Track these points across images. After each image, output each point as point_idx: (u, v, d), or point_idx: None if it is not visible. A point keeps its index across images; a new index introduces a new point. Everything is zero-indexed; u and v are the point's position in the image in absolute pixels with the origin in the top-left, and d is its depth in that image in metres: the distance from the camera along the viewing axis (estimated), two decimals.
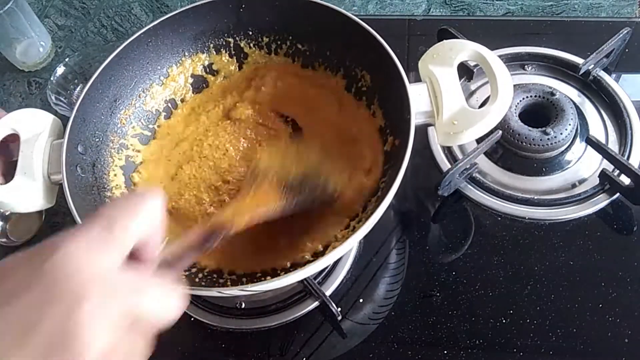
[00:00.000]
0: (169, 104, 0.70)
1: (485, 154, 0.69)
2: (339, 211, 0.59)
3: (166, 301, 0.31)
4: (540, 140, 0.67)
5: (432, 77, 0.56)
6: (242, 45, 0.70)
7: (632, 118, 0.69)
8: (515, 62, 0.77)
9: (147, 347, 0.30)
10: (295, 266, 0.54)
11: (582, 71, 0.72)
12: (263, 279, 0.52)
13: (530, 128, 0.68)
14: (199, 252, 0.40)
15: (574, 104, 0.70)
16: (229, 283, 0.55)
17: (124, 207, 0.31)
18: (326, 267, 0.63)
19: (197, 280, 0.56)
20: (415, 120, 0.53)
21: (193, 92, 0.71)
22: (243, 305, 0.63)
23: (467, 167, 0.66)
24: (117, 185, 0.62)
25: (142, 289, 0.30)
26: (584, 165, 0.68)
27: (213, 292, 0.52)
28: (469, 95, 0.75)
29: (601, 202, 0.64)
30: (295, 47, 0.69)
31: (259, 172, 0.53)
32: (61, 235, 0.29)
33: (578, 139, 0.69)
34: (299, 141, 0.65)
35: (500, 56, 0.59)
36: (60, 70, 0.81)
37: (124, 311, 0.28)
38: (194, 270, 0.57)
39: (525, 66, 0.77)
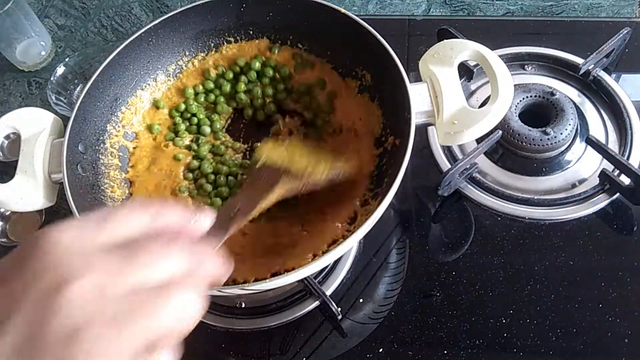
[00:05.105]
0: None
1: (485, 154, 0.69)
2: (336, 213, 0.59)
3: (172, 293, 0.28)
4: (540, 140, 0.67)
5: (433, 76, 0.56)
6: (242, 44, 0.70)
7: (632, 118, 0.69)
8: (515, 62, 0.77)
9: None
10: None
11: (582, 71, 0.72)
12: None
13: (530, 128, 0.68)
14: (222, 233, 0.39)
15: (574, 104, 0.70)
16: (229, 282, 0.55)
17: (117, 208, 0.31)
18: (326, 267, 0.63)
19: None
20: (416, 119, 0.54)
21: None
22: (243, 305, 0.63)
23: (467, 167, 0.66)
24: (118, 184, 0.62)
25: (143, 264, 0.28)
26: (584, 165, 0.68)
27: (213, 291, 0.52)
28: (469, 95, 0.75)
29: (601, 202, 0.64)
30: (296, 46, 0.69)
31: (260, 162, 0.53)
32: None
33: (578, 139, 0.69)
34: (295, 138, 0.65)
35: (500, 56, 0.59)
36: (60, 70, 0.81)
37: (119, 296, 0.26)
38: None
39: (525, 66, 0.77)
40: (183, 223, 0.33)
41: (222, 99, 0.69)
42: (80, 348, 0.24)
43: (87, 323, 0.25)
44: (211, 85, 0.69)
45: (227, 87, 0.69)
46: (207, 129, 0.67)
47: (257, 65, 0.68)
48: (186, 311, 0.29)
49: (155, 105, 0.68)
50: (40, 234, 0.28)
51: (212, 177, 0.63)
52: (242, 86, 0.68)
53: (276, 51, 0.69)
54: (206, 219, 0.34)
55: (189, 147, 0.66)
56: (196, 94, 0.69)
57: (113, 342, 0.25)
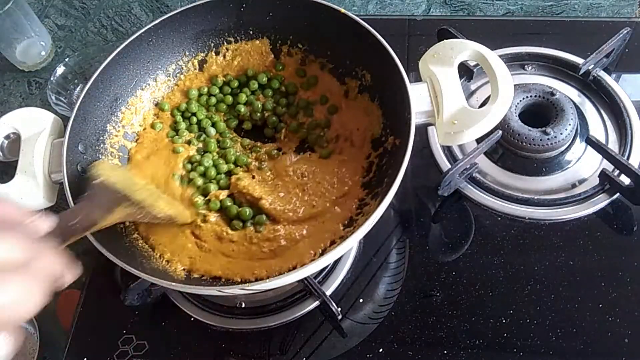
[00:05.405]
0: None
1: (485, 154, 0.69)
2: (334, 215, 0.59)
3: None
4: (540, 140, 0.67)
5: (433, 76, 0.56)
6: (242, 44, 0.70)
7: (632, 118, 0.69)
8: (515, 62, 0.77)
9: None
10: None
11: (582, 71, 0.72)
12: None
13: (530, 128, 0.68)
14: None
15: (574, 104, 0.70)
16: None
17: None
18: (326, 267, 0.63)
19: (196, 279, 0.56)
20: (416, 119, 0.54)
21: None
22: (243, 305, 0.63)
23: (467, 167, 0.66)
24: None
25: None
26: (584, 165, 0.68)
27: (213, 291, 0.53)
28: (469, 95, 0.75)
29: (601, 202, 0.64)
30: (296, 46, 0.69)
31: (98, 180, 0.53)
32: None
33: (578, 139, 0.69)
34: None
35: (500, 56, 0.59)
36: (60, 70, 0.82)
37: None
38: (195, 276, 0.56)
39: (525, 66, 0.77)
40: (20, 218, 0.33)
41: (224, 106, 0.69)
42: None
43: None
44: (216, 90, 0.69)
45: (229, 98, 0.69)
46: (212, 130, 0.67)
47: (264, 79, 0.69)
48: (19, 299, 0.28)
49: (160, 108, 0.68)
50: None
51: (211, 171, 0.63)
52: (243, 97, 0.68)
53: (281, 68, 0.69)
54: (45, 221, 0.35)
55: (189, 142, 0.66)
56: (200, 95, 0.69)
57: None
